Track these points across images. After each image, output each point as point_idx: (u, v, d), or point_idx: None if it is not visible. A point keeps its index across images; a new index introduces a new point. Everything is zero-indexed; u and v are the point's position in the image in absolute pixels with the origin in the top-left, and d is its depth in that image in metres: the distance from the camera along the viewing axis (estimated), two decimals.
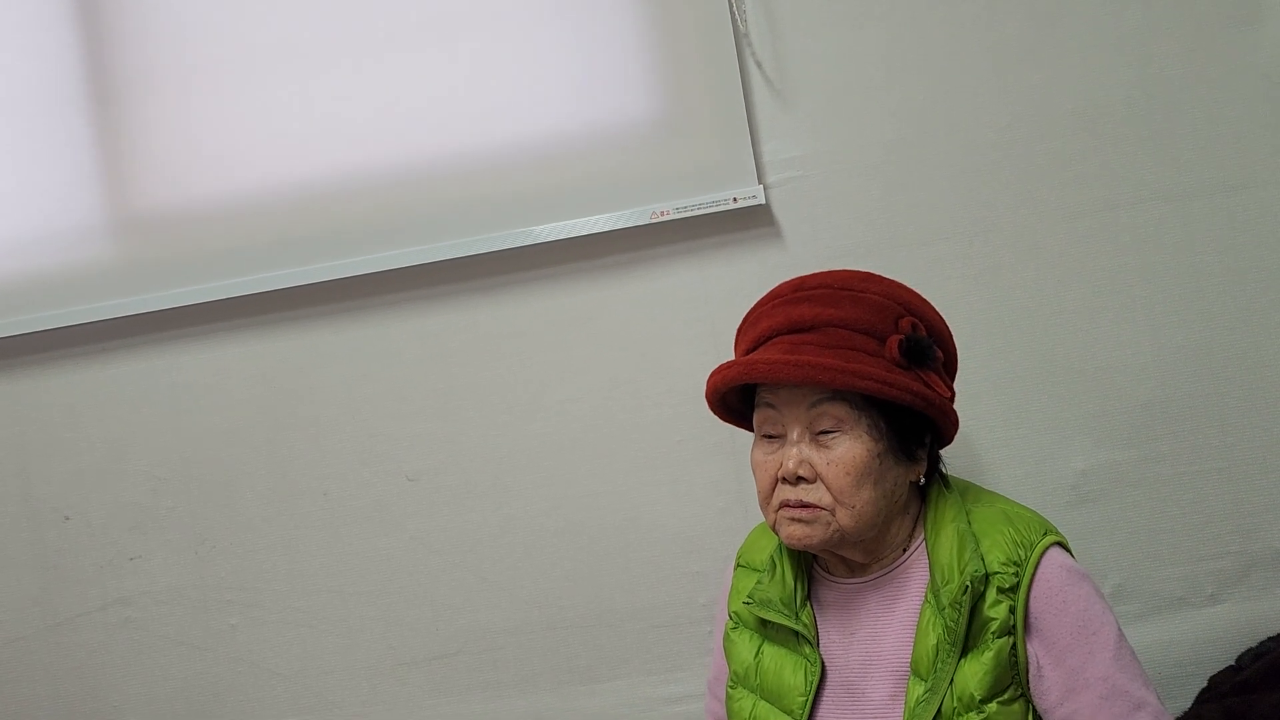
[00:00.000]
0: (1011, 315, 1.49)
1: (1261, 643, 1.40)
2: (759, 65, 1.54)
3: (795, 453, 1.12)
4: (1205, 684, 1.41)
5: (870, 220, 1.52)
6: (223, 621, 1.65)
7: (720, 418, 1.25)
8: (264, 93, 1.62)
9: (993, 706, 1.08)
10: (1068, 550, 1.15)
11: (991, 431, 1.50)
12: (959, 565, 1.10)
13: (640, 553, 1.57)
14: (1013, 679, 1.09)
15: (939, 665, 1.08)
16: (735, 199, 1.50)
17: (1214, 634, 1.46)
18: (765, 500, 1.16)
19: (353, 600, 1.63)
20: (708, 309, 1.55)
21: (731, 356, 1.52)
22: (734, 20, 1.52)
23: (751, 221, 1.54)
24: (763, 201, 1.50)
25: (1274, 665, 1.32)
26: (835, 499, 1.11)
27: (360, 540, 1.63)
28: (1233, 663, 1.41)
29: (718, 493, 1.55)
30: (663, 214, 1.52)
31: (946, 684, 1.08)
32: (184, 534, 1.66)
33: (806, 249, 1.53)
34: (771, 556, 1.24)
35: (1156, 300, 1.47)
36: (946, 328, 1.20)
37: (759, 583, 1.22)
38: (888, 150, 1.51)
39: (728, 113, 1.52)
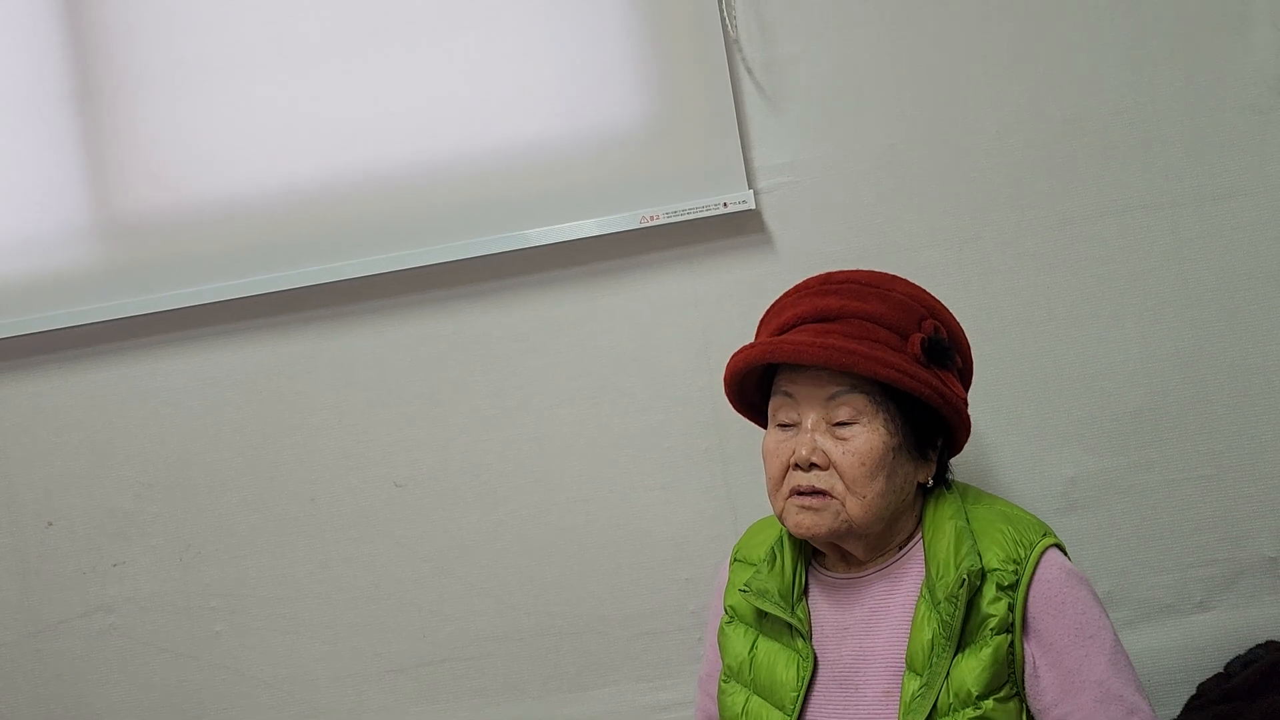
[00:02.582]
0: (1001, 322, 1.49)
1: (1250, 650, 1.41)
2: (749, 71, 1.53)
3: (810, 440, 1.13)
4: (1194, 691, 1.41)
5: (861, 226, 1.52)
6: (207, 628, 1.64)
7: (733, 406, 1.25)
8: (252, 94, 1.61)
9: (989, 703, 1.08)
10: (1065, 553, 1.15)
11: (981, 438, 1.50)
12: (955, 560, 1.11)
13: (629, 559, 1.57)
14: (1009, 677, 1.10)
15: (934, 660, 1.09)
16: (725, 204, 1.50)
17: (1203, 641, 1.46)
18: (775, 488, 1.16)
19: (339, 607, 1.62)
20: (698, 314, 1.55)
21: (720, 360, 1.53)
22: (724, 26, 1.52)
23: (742, 227, 1.53)
24: (753, 206, 1.50)
25: (1263, 673, 1.32)
26: (847, 488, 1.12)
27: (347, 546, 1.62)
28: (1221, 670, 1.42)
29: (708, 499, 1.55)
30: (652, 218, 1.51)
31: (942, 679, 1.08)
32: (168, 540, 1.64)
33: (797, 254, 1.53)
34: (772, 548, 1.24)
35: (1145, 307, 1.47)
36: (965, 338, 1.21)
37: (757, 572, 1.23)
38: (878, 156, 1.51)
39: (718, 118, 1.51)
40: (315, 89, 1.60)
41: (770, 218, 1.54)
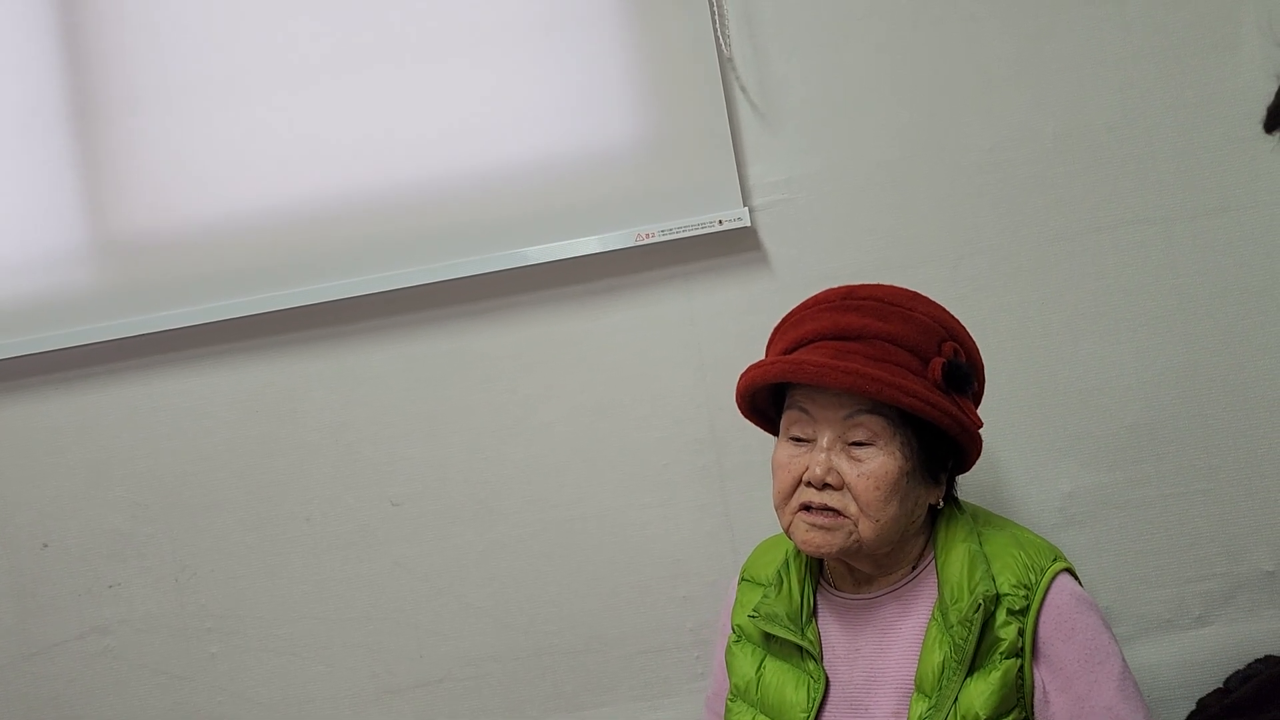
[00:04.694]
0: (996, 337, 1.49)
1: (1249, 665, 1.41)
2: (743, 89, 1.54)
3: (825, 459, 1.12)
4: (1194, 707, 1.40)
5: (856, 243, 1.52)
6: (203, 650, 1.63)
7: (743, 414, 1.24)
8: (248, 115, 1.61)
9: None
10: (1076, 578, 1.15)
11: None
12: (969, 584, 1.11)
13: (627, 577, 1.56)
14: (1018, 701, 1.10)
15: (944, 683, 1.09)
16: (721, 221, 1.50)
17: (1201, 656, 1.46)
18: (783, 501, 1.15)
19: (336, 627, 1.61)
20: (693, 332, 1.55)
21: (717, 378, 1.53)
22: (718, 46, 1.53)
23: (737, 245, 1.54)
24: (748, 223, 1.50)
25: (1262, 687, 1.32)
26: (861, 510, 1.11)
27: (343, 566, 1.61)
28: (1221, 685, 1.41)
29: (705, 516, 1.55)
30: (648, 236, 1.52)
31: (951, 702, 1.08)
32: (164, 561, 1.64)
33: (792, 271, 1.53)
34: (779, 571, 1.24)
35: (1140, 322, 1.48)
36: (981, 360, 1.21)
37: (765, 597, 1.22)
38: (873, 173, 1.52)
39: (713, 136, 1.52)
40: (312, 109, 1.60)
41: (765, 235, 1.54)
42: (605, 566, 1.57)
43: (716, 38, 1.52)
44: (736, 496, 1.54)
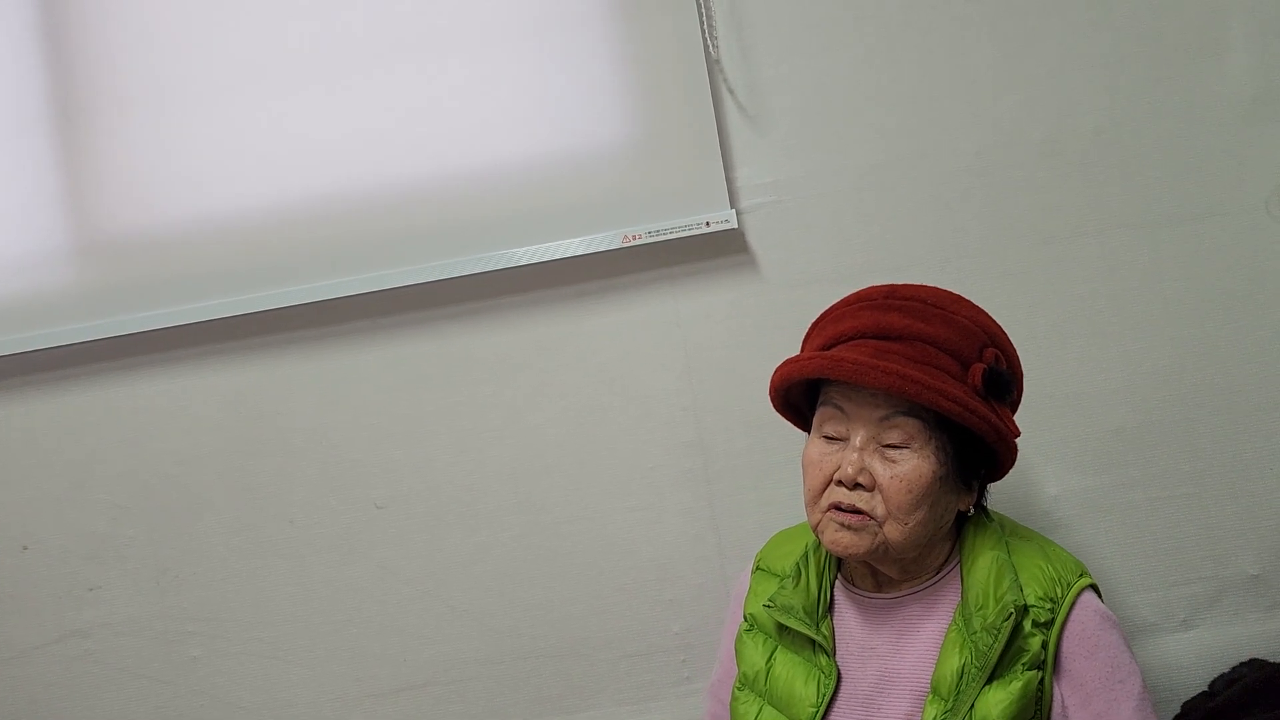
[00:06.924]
0: None
1: (1234, 668, 1.41)
2: (731, 91, 1.54)
3: (857, 459, 1.10)
4: (1179, 710, 1.41)
5: (843, 245, 1.52)
6: (185, 654, 1.62)
7: (775, 408, 1.22)
8: (233, 114, 1.60)
9: None
10: (1099, 594, 1.15)
11: None
12: (995, 592, 1.10)
13: (613, 581, 1.56)
14: (1035, 714, 1.09)
15: (962, 688, 1.08)
16: (708, 223, 1.50)
17: (1187, 660, 1.46)
18: (814, 499, 1.14)
19: (319, 631, 1.60)
20: (680, 335, 1.54)
21: (703, 380, 1.53)
22: (706, 47, 1.52)
23: (724, 247, 1.54)
24: (735, 226, 1.50)
25: (1247, 691, 1.32)
26: (889, 512, 1.09)
27: (327, 569, 1.60)
28: (1206, 688, 1.41)
29: (691, 520, 1.54)
30: (634, 238, 1.51)
31: (968, 708, 1.07)
32: (145, 564, 1.62)
33: (779, 274, 1.53)
34: (797, 564, 1.23)
35: (1126, 326, 1.48)
36: (1020, 367, 1.19)
37: (782, 588, 1.21)
38: (860, 176, 1.52)
39: (700, 138, 1.52)
40: (297, 109, 1.59)
41: (753, 237, 1.54)
42: (591, 570, 1.56)
43: (704, 39, 1.52)
44: (723, 500, 1.53)
